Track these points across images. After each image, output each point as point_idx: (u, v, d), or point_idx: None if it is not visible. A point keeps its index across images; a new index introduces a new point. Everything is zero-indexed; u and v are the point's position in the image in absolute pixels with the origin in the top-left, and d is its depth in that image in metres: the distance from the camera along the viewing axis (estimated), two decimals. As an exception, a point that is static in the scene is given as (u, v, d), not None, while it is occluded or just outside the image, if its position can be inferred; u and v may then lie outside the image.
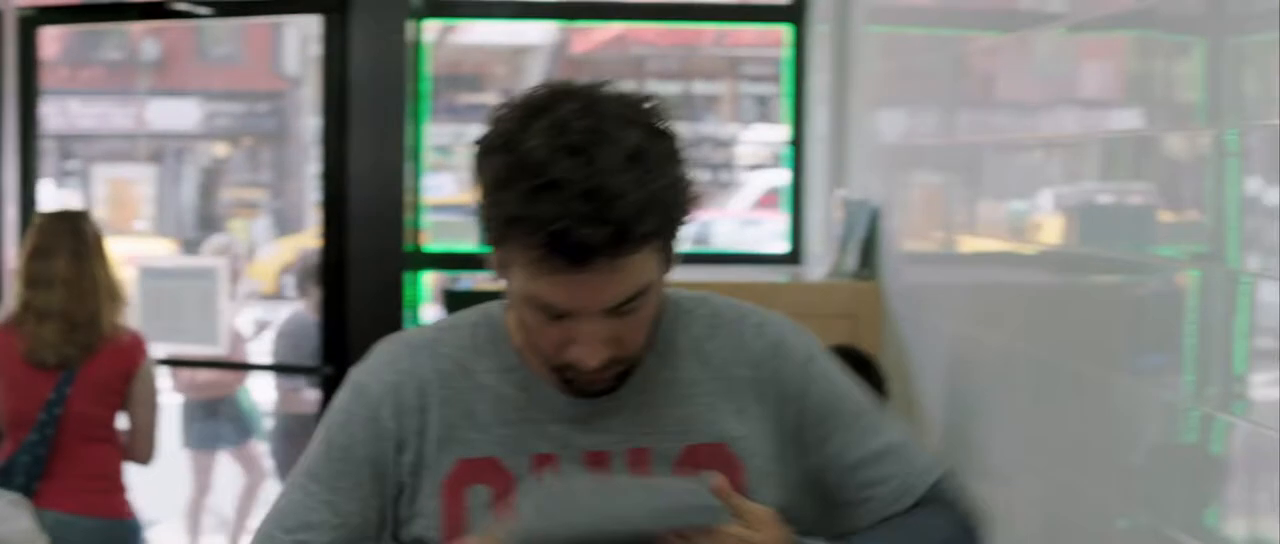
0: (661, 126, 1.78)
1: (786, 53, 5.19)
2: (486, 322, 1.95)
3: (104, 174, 21.97)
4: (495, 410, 1.90)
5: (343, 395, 1.94)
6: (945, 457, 3.82)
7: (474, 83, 19.83)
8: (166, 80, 21.13)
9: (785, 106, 5.24)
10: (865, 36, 4.66)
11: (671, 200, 1.76)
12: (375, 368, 1.94)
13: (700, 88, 19.82)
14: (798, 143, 5.13)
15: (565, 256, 1.70)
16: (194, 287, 5.72)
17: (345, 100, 4.82)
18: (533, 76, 20.38)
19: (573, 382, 1.85)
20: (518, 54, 20.13)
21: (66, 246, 4.23)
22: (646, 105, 1.79)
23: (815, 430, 1.96)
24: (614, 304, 1.76)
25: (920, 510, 1.98)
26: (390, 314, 4.77)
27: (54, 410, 4.19)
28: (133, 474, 4.42)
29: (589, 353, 1.79)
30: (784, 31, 5.19)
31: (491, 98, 20.33)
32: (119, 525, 4.31)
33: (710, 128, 19.15)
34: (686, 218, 1.80)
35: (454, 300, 4.89)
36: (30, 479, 4.11)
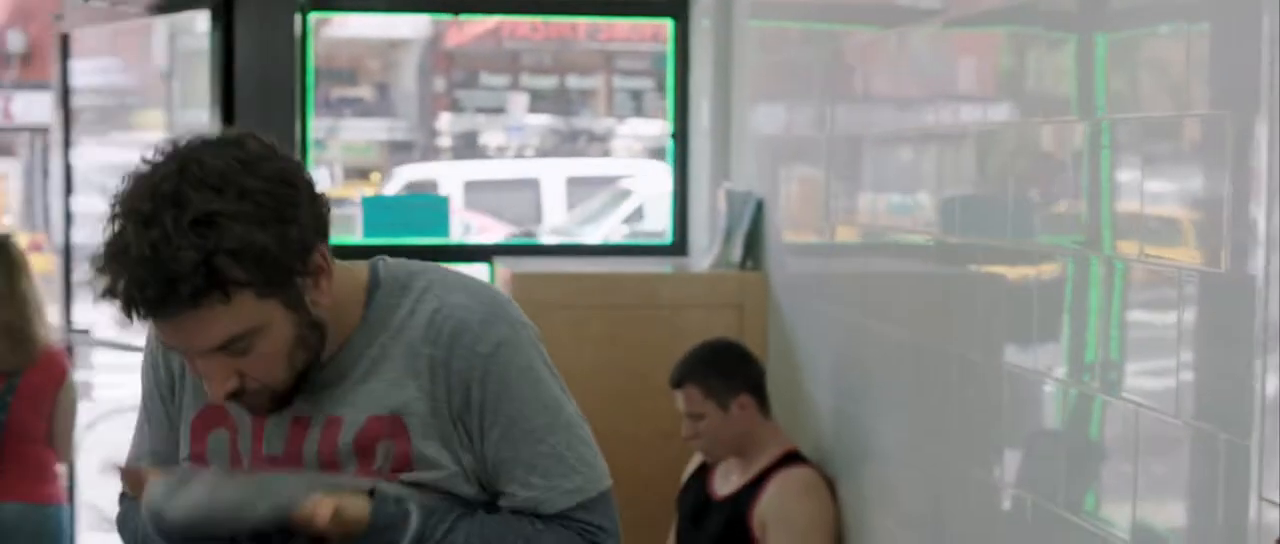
0: (261, 184, 1.96)
1: (668, 46, 5.24)
2: None
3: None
4: None
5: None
6: (832, 443, 3.92)
7: (349, 77, 19.73)
8: (34, 73, 20.77)
9: (667, 100, 5.30)
10: (747, 30, 4.73)
11: (259, 246, 1.93)
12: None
13: (575, 82, 19.84)
14: (680, 136, 5.20)
15: (133, 314, 1.95)
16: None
17: (231, 94, 4.81)
18: (407, 70, 20.30)
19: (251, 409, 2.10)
20: (392, 48, 20.03)
21: None
22: (256, 162, 1.97)
23: (480, 420, 2.11)
24: (212, 346, 1.99)
25: (537, 522, 2.12)
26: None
27: (1, 416, 4.65)
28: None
29: (212, 387, 2.04)
30: (664, 26, 5.25)
31: (366, 92, 20.24)
32: (58, 510, 4.81)
33: (585, 122, 19.18)
34: (289, 265, 1.98)
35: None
36: None
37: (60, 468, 4.89)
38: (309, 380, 2.09)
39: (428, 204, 5.17)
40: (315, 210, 2.03)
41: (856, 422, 3.81)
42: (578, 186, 14.51)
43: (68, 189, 5.59)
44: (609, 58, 19.72)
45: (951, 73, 3.31)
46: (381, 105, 20.01)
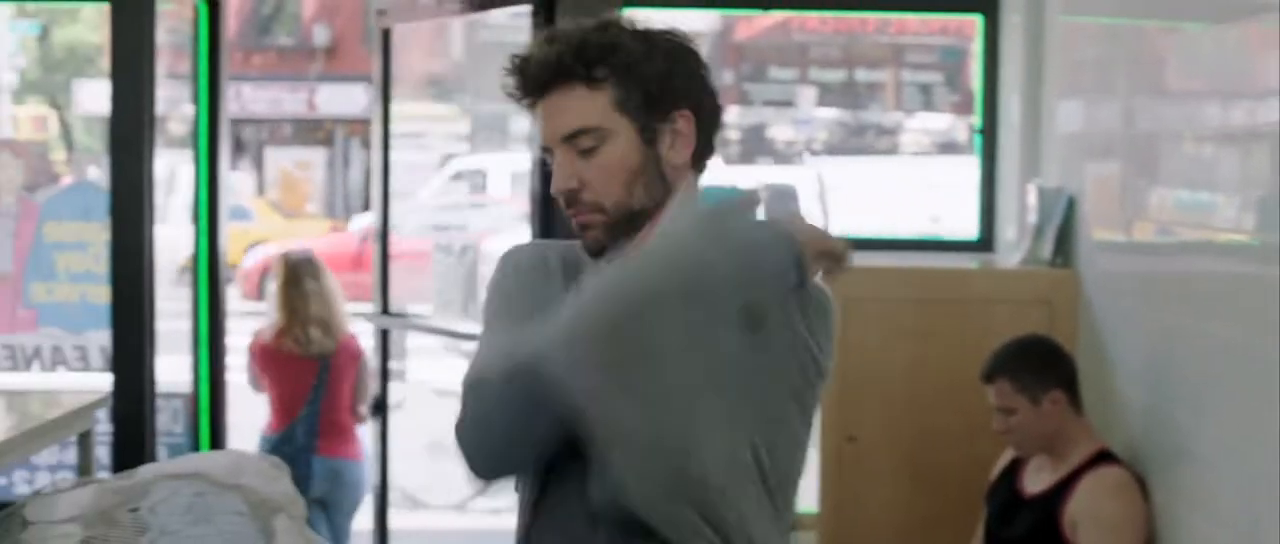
0: (663, 41, 2.24)
1: (978, 42, 5.24)
2: None
3: (276, 158, 22.46)
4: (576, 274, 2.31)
5: (498, 269, 2.36)
6: (1143, 442, 3.89)
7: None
8: (337, 65, 21.56)
9: (976, 96, 5.29)
10: (1057, 25, 4.71)
11: (639, 69, 2.21)
12: (519, 248, 2.41)
13: (863, 76, 19.79)
14: (988, 132, 5.19)
15: (521, 82, 2.24)
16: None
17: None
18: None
19: (581, 232, 2.28)
20: (682, 41, 20.23)
21: (308, 273, 5.77)
22: (670, 34, 2.27)
23: None
24: (567, 132, 2.22)
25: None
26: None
27: (320, 391, 5.74)
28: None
29: (557, 178, 2.25)
30: (955, 21, 5.25)
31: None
32: (361, 465, 5.88)
33: (873, 116, 19.12)
34: (650, 94, 2.22)
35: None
36: (310, 439, 5.74)
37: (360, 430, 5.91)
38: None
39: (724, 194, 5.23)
40: (697, 87, 2.27)
41: (1170, 421, 3.77)
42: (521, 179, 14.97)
43: (386, 179, 5.80)
44: (898, 51, 19.63)
45: (1268, 68, 3.25)
46: (671, 99, 20.22)
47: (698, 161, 2.29)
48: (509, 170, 14.13)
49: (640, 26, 2.27)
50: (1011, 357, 3.98)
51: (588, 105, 2.22)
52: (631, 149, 2.23)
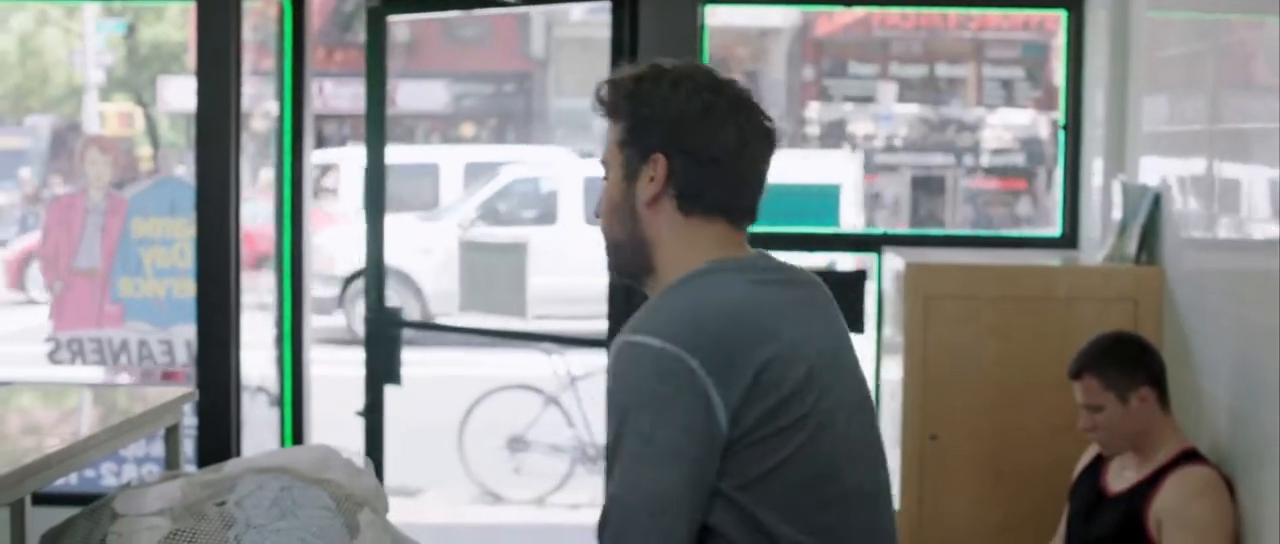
0: (683, 85, 2.36)
1: (1062, 37, 5.20)
2: None
3: (357, 154, 22.58)
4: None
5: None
6: (1229, 442, 3.84)
7: (719, 66, 19.95)
8: (418, 62, 21.65)
9: (1060, 92, 5.25)
10: (1144, 20, 4.66)
11: (636, 109, 2.36)
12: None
13: (944, 71, 19.68)
14: (1072, 128, 5.15)
15: (596, 103, 2.43)
16: (504, 261, 5.97)
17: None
18: (776, 58, 20.46)
19: None
20: (762, 36, 20.22)
21: None
22: (695, 74, 2.39)
23: None
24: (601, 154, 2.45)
25: None
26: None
27: None
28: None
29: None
30: (1037, 16, 5.23)
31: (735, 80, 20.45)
32: None
33: (955, 111, 19.01)
34: (639, 132, 2.37)
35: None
36: None
37: None
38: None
39: (819, 193, 5.23)
40: (689, 133, 2.35)
41: (1257, 422, 3.72)
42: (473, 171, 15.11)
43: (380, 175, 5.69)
44: (979, 47, 19.50)
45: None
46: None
47: (685, 206, 2.38)
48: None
49: (680, 70, 2.38)
50: (1100, 353, 3.95)
51: (608, 137, 2.42)
52: (615, 184, 2.41)
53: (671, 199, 2.37)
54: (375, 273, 5.51)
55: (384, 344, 5.55)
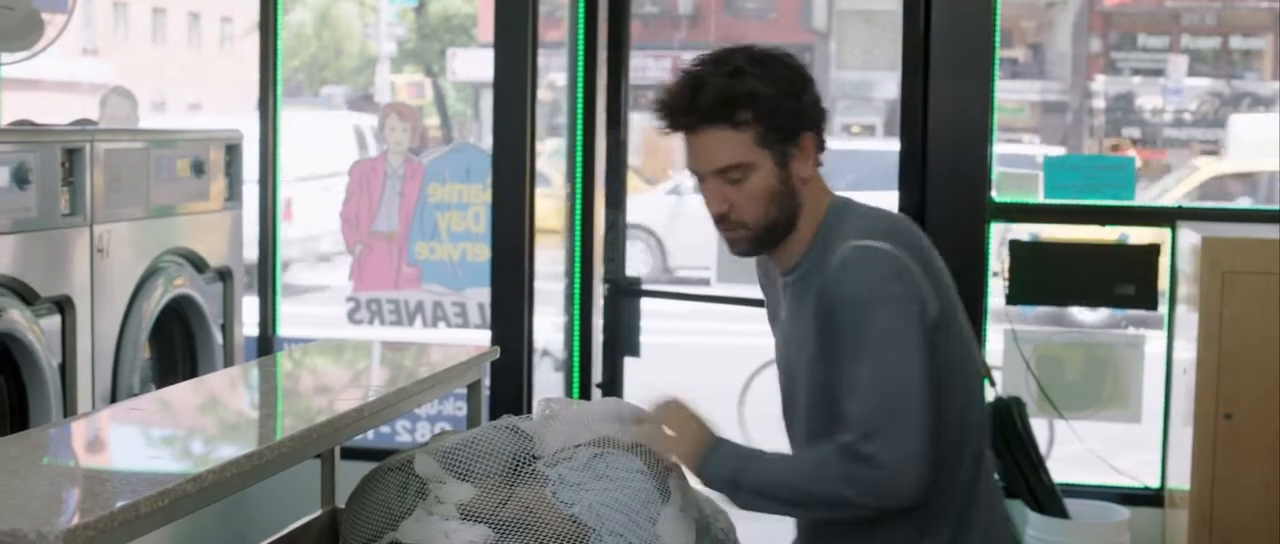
0: (784, 71, 2.63)
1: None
2: None
3: (641, 124, 22.82)
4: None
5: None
6: None
7: (1003, 37, 19.66)
8: (699, 33, 21.78)
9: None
10: None
11: (773, 109, 2.59)
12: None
13: (1238, 43, 19.05)
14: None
15: (662, 120, 2.65)
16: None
17: (928, 52, 4.95)
18: (1062, 30, 20.06)
19: (730, 244, 2.71)
20: (1048, 8, 19.85)
21: None
22: (785, 59, 2.65)
23: (833, 342, 2.58)
24: (712, 168, 2.63)
25: (823, 446, 2.57)
26: (975, 264, 4.85)
27: None
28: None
29: (709, 204, 2.68)
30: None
31: (1019, 52, 20.13)
32: None
33: (1249, 85, 18.40)
34: (785, 129, 2.61)
35: (1019, 250, 4.98)
36: None
37: None
38: (779, 263, 2.74)
39: (1114, 165, 5.14)
40: (815, 107, 2.67)
41: None
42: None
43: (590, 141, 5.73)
44: (1278, 17, 18.82)
45: None
46: (1034, 67, 19.86)
47: (817, 163, 2.69)
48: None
49: (761, 57, 2.63)
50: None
51: (734, 144, 2.62)
52: (770, 175, 2.65)
53: (815, 162, 2.70)
54: (614, 240, 5.61)
55: (622, 314, 5.65)
